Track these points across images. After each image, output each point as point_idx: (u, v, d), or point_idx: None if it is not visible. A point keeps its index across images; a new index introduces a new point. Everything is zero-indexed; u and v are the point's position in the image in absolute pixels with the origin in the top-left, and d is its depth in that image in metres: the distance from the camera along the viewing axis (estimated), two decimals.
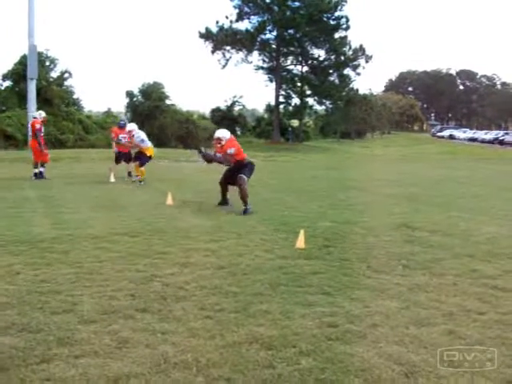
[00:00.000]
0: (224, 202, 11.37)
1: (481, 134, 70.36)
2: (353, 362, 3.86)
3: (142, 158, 15.72)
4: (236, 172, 10.78)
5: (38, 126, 17.04)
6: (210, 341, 4.21)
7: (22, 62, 36.02)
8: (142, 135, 15.97)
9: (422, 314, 4.85)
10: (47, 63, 53.87)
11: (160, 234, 8.32)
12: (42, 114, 18.14)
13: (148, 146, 15.92)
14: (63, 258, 6.79)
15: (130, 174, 16.95)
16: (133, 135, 15.82)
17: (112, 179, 16.34)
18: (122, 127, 17.45)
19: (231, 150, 10.65)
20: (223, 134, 10.95)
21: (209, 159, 11.10)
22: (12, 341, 4.19)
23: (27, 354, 3.95)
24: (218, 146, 10.79)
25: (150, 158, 15.92)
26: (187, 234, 8.34)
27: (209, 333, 4.35)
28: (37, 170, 16.94)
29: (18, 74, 45.16)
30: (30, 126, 17.76)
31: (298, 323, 4.56)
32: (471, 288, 5.69)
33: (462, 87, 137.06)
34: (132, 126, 16.35)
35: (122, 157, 16.85)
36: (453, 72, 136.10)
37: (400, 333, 4.38)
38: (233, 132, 48.96)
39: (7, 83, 52.27)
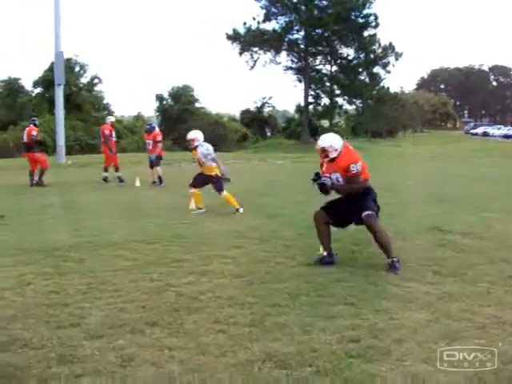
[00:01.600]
0: (328, 256, 6.70)
1: None
2: (374, 383, 3.51)
3: (217, 182, 11.03)
4: (353, 205, 6.56)
5: (106, 131, 17.32)
6: (221, 358, 3.90)
7: (52, 69, 36.22)
8: (211, 148, 11.03)
9: (452, 326, 4.45)
10: (77, 69, 54.48)
11: (179, 240, 8.08)
12: (111, 118, 18.45)
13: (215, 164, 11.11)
14: (77, 267, 6.58)
15: (157, 181, 16.49)
16: (196, 146, 11.02)
17: (137, 183, 16.21)
18: (148, 131, 17.26)
19: (357, 167, 6.46)
20: (330, 141, 6.65)
21: (328, 189, 6.66)
22: (11, 358, 3.98)
23: (24, 374, 3.72)
24: (326, 160, 6.69)
25: (218, 177, 11.01)
26: (207, 239, 8.07)
27: (220, 349, 4.05)
28: (106, 174, 17.11)
29: (48, 80, 45.53)
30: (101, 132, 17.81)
31: (317, 338, 4.22)
32: (507, 297, 5.26)
33: (495, 83, 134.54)
34: (195, 134, 11.17)
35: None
36: (486, 68, 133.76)
37: (428, 349, 4.01)
38: (263, 133, 48.55)
39: (38, 90, 53.02)
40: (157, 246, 7.69)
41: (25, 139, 16.87)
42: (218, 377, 3.62)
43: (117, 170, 17.19)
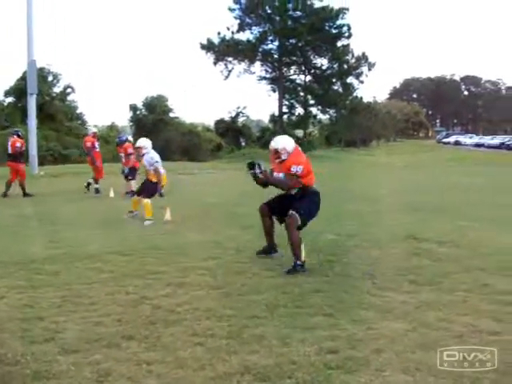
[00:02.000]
0: (270, 247, 7.62)
1: (487, 140, 69.71)
2: None
3: (147, 187, 11.44)
4: (292, 203, 7.04)
5: (88, 144, 17.18)
6: (199, 372, 3.87)
7: (24, 78, 35.82)
8: (157, 157, 11.45)
9: (430, 336, 4.47)
10: (50, 78, 53.92)
11: (156, 251, 7.99)
12: (93, 129, 18.39)
13: (163, 172, 11.56)
14: (52, 279, 6.48)
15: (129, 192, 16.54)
16: (143, 154, 11.58)
17: (111, 194, 16.07)
18: (118, 144, 17.12)
19: (298, 169, 6.98)
20: (283, 143, 7.19)
21: (263, 181, 7.26)
22: None
23: None
24: (277, 161, 7.20)
25: (156, 184, 11.32)
26: (184, 251, 8.00)
27: (198, 362, 4.01)
28: (97, 186, 16.82)
29: (21, 89, 44.97)
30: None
31: (296, 350, 4.20)
32: (483, 305, 5.31)
33: (466, 93, 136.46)
34: (143, 142, 11.77)
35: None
36: (457, 78, 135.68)
37: (406, 359, 4.02)
38: (237, 143, 48.48)
39: (10, 99, 52.37)
40: (133, 257, 7.60)
41: (9, 150, 16.68)
42: None
43: (96, 181, 17.02)
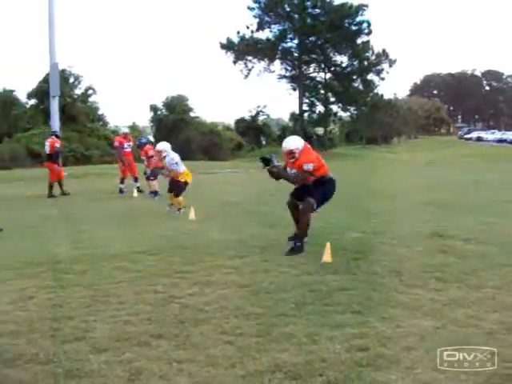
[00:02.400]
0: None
1: (510, 135, 68.89)
2: None
3: (177, 186, 12.30)
4: (306, 191, 7.84)
5: (116, 143, 17.58)
6: (230, 370, 3.87)
7: (46, 80, 36.14)
8: (176, 157, 12.33)
9: (460, 333, 4.44)
10: (71, 80, 54.40)
11: (181, 250, 8.02)
12: (123, 129, 18.69)
13: (183, 171, 12.42)
14: (79, 279, 6.53)
15: (139, 188, 17.05)
16: (164, 157, 12.28)
17: (135, 194, 16.19)
18: (139, 147, 17.23)
19: (309, 167, 7.67)
20: (295, 143, 7.85)
21: (278, 176, 7.98)
22: (18, 373, 3.93)
23: None
24: (291, 160, 7.87)
25: (186, 183, 12.31)
26: (209, 250, 8.02)
27: (228, 361, 4.02)
28: (121, 186, 17.08)
29: (43, 91, 45.30)
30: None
31: (325, 347, 4.19)
32: None
33: (488, 88, 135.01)
34: (163, 146, 12.51)
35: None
36: (478, 73, 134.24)
37: (436, 356, 3.99)
38: (258, 142, 48.63)
39: (33, 101, 52.92)
40: (159, 257, 7.64)
41: (47, 150, 17.09)
42: None
43: (121, 181, 17.18)
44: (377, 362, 3.91)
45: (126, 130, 18.86)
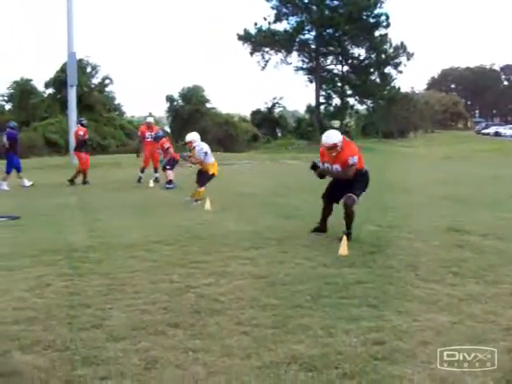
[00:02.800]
0: (322, 228, 8.49)
1: None
2: None
3: (203, 176, 12.39)
4: (347, 186, 7.92)
5: (138, 132, 17.96)
6: (246, 361, 3.88)
7: (64, 70, 36.30)
8: (206, 147, 12.42)
9: (477, 328, 4.41)
10: (88, 70, 54.65)
11: (197, 241, 8.05)
12: (148, 119, 18.80)
13: (212, 162, 12.54)
14: (96, 268, 6.57)
15: (156, 179, 17.09)
16: (193, 147, 12.29)
17: (151, 184, 16.24)
18: (155, 140, 17.20)
19: (354, 159, 7.83)
20: (338, 137, 7.90)
21: (324, 174, 8.24)
22: (36, 359, 3.96)
23: (49, 375, 3.71)
24: (334, 154, 7.89)
25: (212, 175, 12.45)
26: (225, 240, 8.04)
27: (244, 351, 4.03)
28: (141, 175, 17.09)
29: (60, 81, 45.67)
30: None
31: (341, 340, 4.19)
32: None
33: (506, 83, 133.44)
34: (192, 137, 12.49)
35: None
36: (497, 67, 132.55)
37: (453, 351, 3.97)
38: (274, 134, 48.55)
39: (50, 90, 53.23)
40: (174, 246, 7.67)
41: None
42: (244, 379, 3.60)
43: (142, 170, 17.31)
44: (393, 356, 3.90)
45: (151, 120, 18.82)
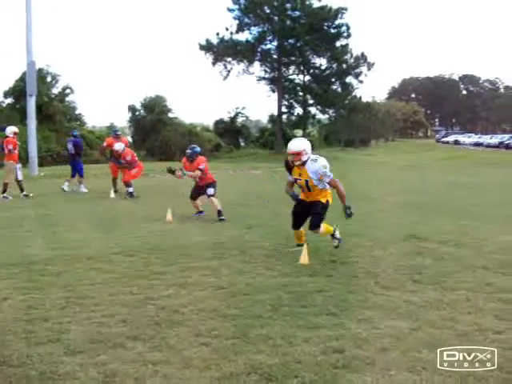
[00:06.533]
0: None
1: (486, 139, 69.62)
2: None
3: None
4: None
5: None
6: (205, 372, 3.86)
7: (23, 79, 35.82)
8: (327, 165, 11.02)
9: (435, 335, 4.48)
10: (48, 79, 53.83)
11: (158, 252, 7.98)
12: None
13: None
14: (55, 280, 6.45)
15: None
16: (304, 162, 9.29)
17: (112, 195, 16.05)
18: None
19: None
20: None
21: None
22: None
23: None
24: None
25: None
26: (187, 251, 7.99)
27: (204, 362, 4.00)
28: (130, 189, 16.25)
29: (20, 90, 44.84)
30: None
31: (301, 349, 4.20)
32: (486, 304, 5.32)
33: (465, 92, 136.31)
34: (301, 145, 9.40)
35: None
36: (455, 77, 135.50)
37: (412, 358, 4.02)
38: (236, 143, 48.55)
39: (9, 100, 52.27)
40: (135, 258, 7.59)
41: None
42: None
43: (114, 181, 17.03)
44: (352, 364, 3.93)
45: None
